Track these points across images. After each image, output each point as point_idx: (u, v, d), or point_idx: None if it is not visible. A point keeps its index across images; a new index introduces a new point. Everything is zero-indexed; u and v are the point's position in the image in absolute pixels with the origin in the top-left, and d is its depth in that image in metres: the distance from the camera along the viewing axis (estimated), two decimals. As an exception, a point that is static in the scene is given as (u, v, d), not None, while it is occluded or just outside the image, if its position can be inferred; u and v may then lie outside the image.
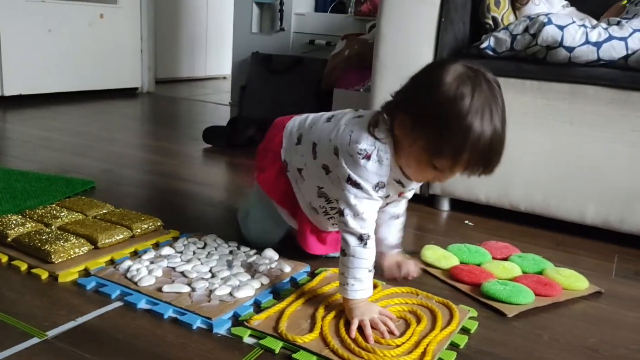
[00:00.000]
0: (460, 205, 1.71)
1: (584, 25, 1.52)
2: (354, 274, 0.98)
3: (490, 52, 1.64)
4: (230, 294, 1.06)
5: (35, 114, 2.89)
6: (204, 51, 4.92)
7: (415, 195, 1.22)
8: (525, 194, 1.58)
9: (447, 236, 1.28)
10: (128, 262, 1.15)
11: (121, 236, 1.27)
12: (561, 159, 1.53)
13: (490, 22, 1.79)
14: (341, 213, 1.00)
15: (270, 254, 1.24)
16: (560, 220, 1.57)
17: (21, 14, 3.06)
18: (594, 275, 1.28)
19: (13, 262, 1.16)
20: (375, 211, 1.01)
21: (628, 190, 1.46)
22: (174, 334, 0.94)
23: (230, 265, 1.19)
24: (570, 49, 1.50)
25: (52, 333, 0.92)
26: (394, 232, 1.19)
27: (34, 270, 1.12)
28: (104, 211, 1.43)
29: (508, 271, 1.25)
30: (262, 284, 1.11)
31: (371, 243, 1.00)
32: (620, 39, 1.49)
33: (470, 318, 1.05)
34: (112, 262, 1.19)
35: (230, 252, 1.26)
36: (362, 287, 0.99)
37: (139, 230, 1.31)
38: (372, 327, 0.96)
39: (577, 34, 1.50)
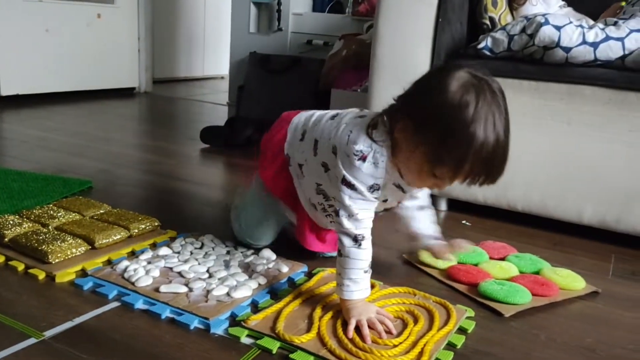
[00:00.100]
0: (458, 205, 1.71)
1: (581, 26, 1.52)
2: (349, 275, 0.99)
3: (488, 53, 1.64)
4: (228, 294, 1.06)
5: (33, 114, 2.89)
6: (201, 51, 4.91)
7: (412, 195, 1.22)
8: (523, 194, 1.58)
9: (444, 236, 1.28)
10: (125, 263, 1.15)
11: (118, 236, 1.27)
12: (559, 159, 1.53)
13: (488, 22, 1.79)
14: (337, 213, 1.01)
15: (268, 254, 1.24)
16: (557, 221, 1.57)
17: (18, 13, 3.05)
18: (590, 275, 1.29)
19: (10, 263, 1.15)
20: (371, 212, 1.01)
21: (626, 190, 1.46)
22: (172, 334, 0.94)
23: (227, 265, 1.19)
24: (568, 49, 1.51)
25: (49, 333, 0.92)
26: (426, 223, 1.21)
27: (31, 271, 1.12)
28: (101, 211, 1.43)
29: (505, 271, 1.25)
30: (259, 284, 1.11)
31: (366, 244, 1.00)
32: (617, 39, 1.50)
33: (468, 318, 1.05)
34: (109, 262, 1.19)
35: (228, 252, 1.26)
36: (357, 288, 0.99)
37: (136, 231, 1.31)
38: (369, 327, 0.96)
39: (574, 34, 1.50)
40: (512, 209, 1.61)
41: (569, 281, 1.22)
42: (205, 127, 2.47)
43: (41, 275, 1.11)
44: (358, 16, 2.93)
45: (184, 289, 1.06)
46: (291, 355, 0.89)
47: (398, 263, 1.32)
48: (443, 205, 1.74)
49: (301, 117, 1.19)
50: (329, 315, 1.01)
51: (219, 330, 0.96)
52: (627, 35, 1.49)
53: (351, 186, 0.98)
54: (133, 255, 1.23)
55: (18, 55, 3.08)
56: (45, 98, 3.25)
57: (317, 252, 1.26)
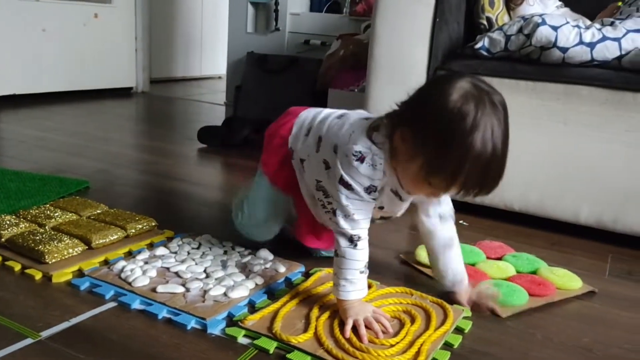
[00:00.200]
0: (455, 205, 1.70)
1: (577, 26, 1.52)
2: (345, 275, 0.99)
3: (485, 53, 1.64)
4: (225, 294, 1.06)
5: (30, 114, 2.88)
6: (199, 51, 4.91)
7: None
8: (520, 194, 1.58)
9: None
10: (122, 263, 1.15)
11: (115, 236, 1.27)
12: (556, 159, 1.53)
13: (485, 22, 1.80)
14: (334, 212, 1.01)
15: (265, 254, 1.24)
16: (555, 220, 1.57)
17: (15, 13, 3.05)
18: (587, 275, 1.29)
19: (7, 263, 1.15)
20: (368, 213, 1.01)
21: (623, 190, 1.47)
22: (168, 335, 0.94)
23: (224, 265, 1.18)
24: (564, 50, 1.51)
25: (45, 334, 0.91)
26: (452, 266, 1.12)
27: (27, 271, 1.12)
28: (98, 211, 1.42)
29: (502, 271, 1.26)
30: (256, 284, 1.11)
31: (362, 245, 1.00)
32: (614, 39, 1.50)
33: (465, 318, 1.05)
34: (106, 262, 1.19)
35: (225, 253, 1.26)
36: (353, 288, 0.99)
37: (133, 231, 1.31)
38: (366, 326, 0.96)
39: (571, 34, 1.51)
40: (509, 209, 1.61)
41: (566, 281, 1.22)
42: (202, 127, 2.47)
43: (38, 276, 1.10)
44: (355, 16, 2.93)
45: (181, 289, 1.06)
46: (288, 355, 0.89)
47: (395, 263, 1.32)
48: (440, 205, 1.74)
49: (309, 112, 1.19)
50: (326, 315, 1.01)
51: (216, 330, 0.96)
52: (624, 35, 1.50)
53: (348, 186, 0.98)
54: (130, 255, 1.23)
55: (15, 55, 3.08)
56: (42, 98, 3.24)
57: (314, 248, 1.26)
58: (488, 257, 1.34)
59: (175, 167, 2.09)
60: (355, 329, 0.95)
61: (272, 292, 1.11)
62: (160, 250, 1.23)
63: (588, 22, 1.62)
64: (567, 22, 1.53)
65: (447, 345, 0.96)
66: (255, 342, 0.92)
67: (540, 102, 1.53)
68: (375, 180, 0.98)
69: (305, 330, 0.96)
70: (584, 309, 1.15)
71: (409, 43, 1.64)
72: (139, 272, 1.11)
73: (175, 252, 1.23)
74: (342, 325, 0.97)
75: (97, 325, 0.95)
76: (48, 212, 1.38)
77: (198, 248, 1.27)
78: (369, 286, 1.08)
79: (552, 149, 1.53)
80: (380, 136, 0.98)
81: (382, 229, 1.20)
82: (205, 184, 1.90)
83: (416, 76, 1.61)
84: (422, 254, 1.30)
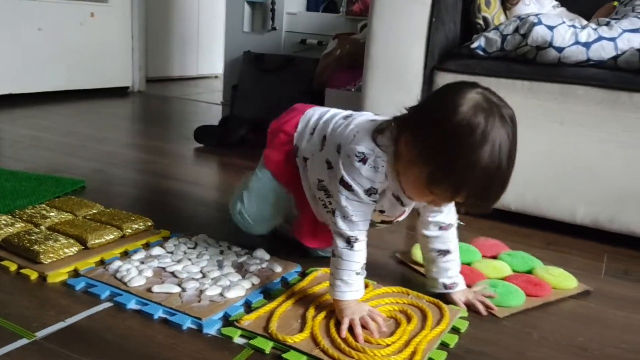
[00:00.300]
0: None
1: (573, 26, 1.53)
2: (341, 276, 0.99)
3: (481, 52, 1.64)
4: (221, 294, 1.06)
5: (26, 114, 2.87)
6: (195, 50, 4.90)
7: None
8: (516, 194, 1.58)
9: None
10: (118, 263, 1.15)
11: (111, 236, 1.26)
12: (553, 159, 1.53)
13: (481, 22, 1.80)
14: (333, 212, 1.01)
15: (261, 254, 1.24)
16: (551, 220, 1.57)
17: (11, 12, 3.04)
18: (583, 275, 1.29)
19: (2, 263, 1.15)
20: (367, 215, 1.00)
21: (619, 190, 1.47)
22: (164, 335, 0.94)
23: (220, 265, 1.18)
24: (560, 49, 1.51)
25: (41, 334, 0.91)
26: (443, 269, 1.11)
27: (23, 271, 1.12)
28: (94, 211, 1.42)
29: (498, 270, 1.26)
30: (252, 284, 1.11)
31: (359, 246, 0.99)
32: (610, 39, 1.50)
33: (461, 317, 1.05)
34: (101, 262, 1.19)
35: (221, 252, 1.25)
36: (349, 289, 0.99)
37: (129, 230, 1.31)
38: (362, 326, 0.96)
39: (567, 34, 1.51)
40: (506, 209, 1.61)
41: (561, 280, 1.23)
42: (199, 126, 2.47)
43: (33, 276, 1.10)
44: (352, 16, 2.93)
45: (177, 289, 1.06)
46: (284, 355, 0.89)
47: (392, 262, 1.32)
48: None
49: (315, 111, 1.19)
50: (322, 315, 1.01)
51: (211, 330, 0.96)
52: (620, 35, 1.50)
53: (348, 187, 0.98)
54: (126, 255, 1.23)
55: (11, 54, 3.06)
56: (38, 97, 3.23)
57: (312, 248, 1.26)
58: (484, 256, 1.34)
59: (171, 166, 2.09)
60: (351, 329, 0.95)
61: (268, 292, 1.11)
62: (157, 250, 1.23)
63: (584, 22, 1.62)
64: (563, 22, 1.53)
65: (443, 345, 0.96)
66: (251, 342, 0.92)
67: (537, 102, 1.53)
68: (376, 183, 0.98)
69: (302, 330, 0.96)
70: (579, 308, 1.15)
71: (405, 42, 1.64)
72: (135, 272, 1.11)
73: (172, 252, 1.23)
74: (338, 325, 0.97)
75: (93, 326, 0.95)
76: (44, 211, 1.38)
77: (194, 248, 1.27)
78: (366, 286, 1.08)
79: (549, 149, 1.53)
80: (385, 139, 0.97)
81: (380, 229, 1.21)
82: (201, 184, 1.90)
83: (412, 76, 1.61)
84: (417, 253, 1.30)
